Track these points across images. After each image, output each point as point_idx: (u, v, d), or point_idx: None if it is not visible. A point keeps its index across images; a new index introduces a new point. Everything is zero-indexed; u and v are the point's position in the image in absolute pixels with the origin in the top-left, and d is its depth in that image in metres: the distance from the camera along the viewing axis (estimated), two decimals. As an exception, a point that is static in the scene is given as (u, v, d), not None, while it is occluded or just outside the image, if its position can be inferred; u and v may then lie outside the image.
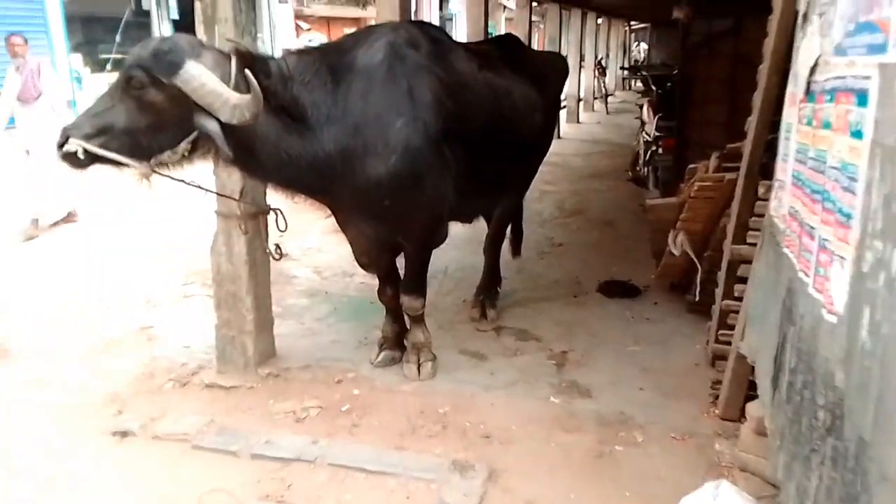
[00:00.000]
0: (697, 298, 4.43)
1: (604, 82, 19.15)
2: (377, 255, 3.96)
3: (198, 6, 3.50)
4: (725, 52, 5.55)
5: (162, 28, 13.54)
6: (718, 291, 3.78)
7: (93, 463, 3.26)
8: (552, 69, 4.81)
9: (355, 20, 20.92)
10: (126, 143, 2.87)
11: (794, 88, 2.44)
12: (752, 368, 3.23)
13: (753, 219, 3.15)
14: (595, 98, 18.56)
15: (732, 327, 3.60)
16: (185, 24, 14.51)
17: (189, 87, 2.74)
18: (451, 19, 26.43)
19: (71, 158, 2.83)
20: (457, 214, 4.16)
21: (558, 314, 4.97)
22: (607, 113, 18.16)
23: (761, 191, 3.03)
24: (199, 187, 3.43)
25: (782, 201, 2.60)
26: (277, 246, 3.97)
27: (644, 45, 30.87)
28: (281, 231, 3.71)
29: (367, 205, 3.42)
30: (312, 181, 3.25)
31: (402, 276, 4.07)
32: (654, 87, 7.99)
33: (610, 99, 19.51)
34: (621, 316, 4.96)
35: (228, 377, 4.04)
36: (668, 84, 7.64)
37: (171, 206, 7.02)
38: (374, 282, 5.29)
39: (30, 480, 3.11)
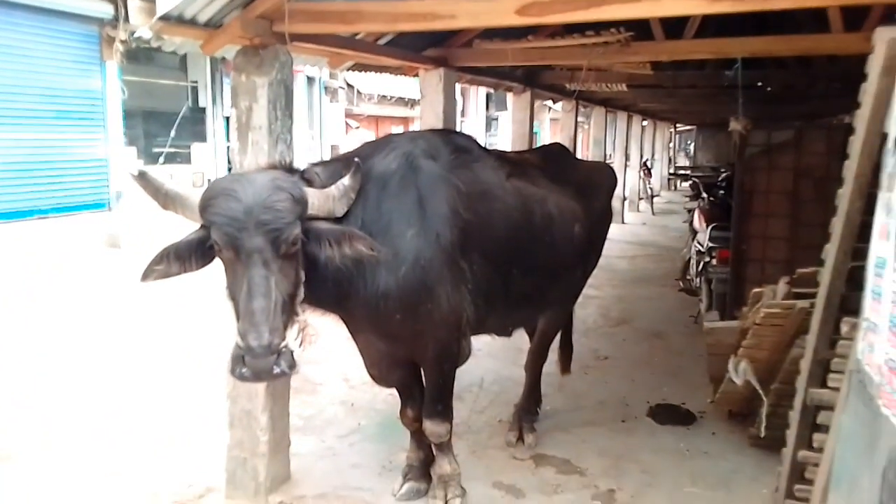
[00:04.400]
0: (763, 434, 3.93)
1: (649, 183, 18.97)
2: (388, 369, 3.69)
3: (233, 113, 3.41)
4: (786, 164, 5.27)
5: (216, 124, 13.99)
6: (790, 434, 3.29)
7: None
8: (598, 179, 4.57)
9: (403, 119, 21.50)
10: (292, 304, 2.73)
11: (888, 220, 2.11)
12: (838, 535, 2.75)
13: (835, 359, 2.73)
14: (640, 199, 18.35)
15: (807, 479, 3.11)
16: (238, 120, 15.07)
17: (314, 209, 2.73)
18: (496, 119, 27.00)
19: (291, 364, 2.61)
20: (484, 329, 3.85)
21: (604, 442, 4.49)
22: (653, 214, 17.88)
23: (844, 329, 2.63)
24: None
25: (875, 347, 2.21)
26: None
27: (690, 147, 31.00)
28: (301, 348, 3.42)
29: (378, 317, 3.20)
30: (328, 292, 3.03)
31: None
32: (705, 195, 7.71)
33: (656, 199, 19.26)
34: (675, 448, 4.45)
35: (237, 504, 3.68)
36: (721, 191, 7.36)
37: (201, 305, 6.90)
38: (404, 394, 5.00)
39: None
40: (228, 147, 14.75)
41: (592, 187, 4.35)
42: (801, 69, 6.84)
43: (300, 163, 3.29)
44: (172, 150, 13.36)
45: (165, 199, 2.70)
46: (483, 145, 3.87)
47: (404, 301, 3.13)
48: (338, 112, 17.49)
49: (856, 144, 2.49)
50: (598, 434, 4.63)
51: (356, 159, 2.93)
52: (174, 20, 3.19)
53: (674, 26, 5.04)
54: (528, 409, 4.58)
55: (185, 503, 3.73)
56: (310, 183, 2.91)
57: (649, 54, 5.08)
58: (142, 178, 2.70)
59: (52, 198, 10.47)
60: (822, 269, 2.90)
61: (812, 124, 5.89)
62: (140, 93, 12.18)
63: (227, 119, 14.18)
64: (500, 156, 3.93)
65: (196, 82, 13.80)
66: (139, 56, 11.79)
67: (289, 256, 2.63)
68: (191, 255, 2.69)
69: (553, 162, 4.18)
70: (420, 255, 3.12)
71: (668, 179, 24.24)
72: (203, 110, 13.92)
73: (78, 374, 5.58)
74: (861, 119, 2.45)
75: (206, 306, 6.91)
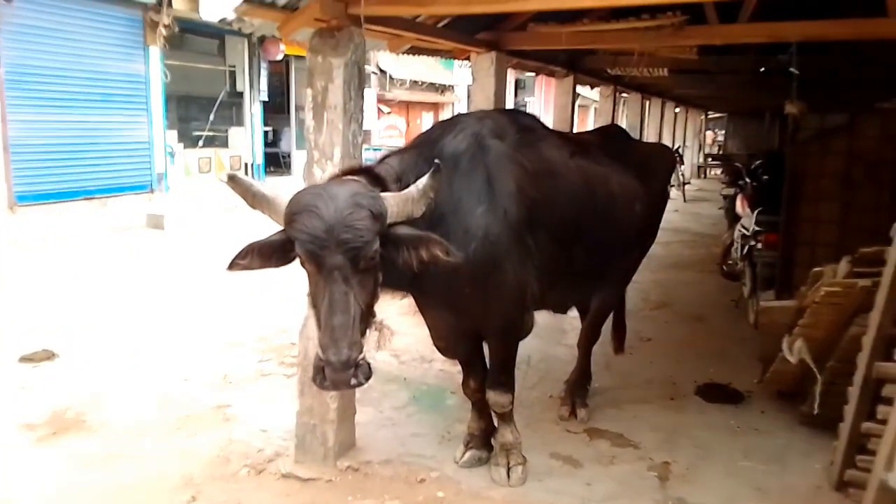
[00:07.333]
0: (816, 411, 4.01)
1: (681, 170, 18.83)
2: (455, 342, 3.83)
3: (308, 93, 3.54)
4: (839, 148, 5.30)
5: (253, 108, 14.20)
6: (849, 409, 3.39)
7: (166, 557, 3.10)
8: (657, 160, 4.65)
9: (434, 105, 21.58)
10: (370, 312, 2.81)
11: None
12: (900, 504, 2.85)
13: (904, 334, 2.81)
14: (671, 186, 18.22)
15: (868, 451, 3.20)
16: (273, 105, 15.24)
17: (393, 216, 2.74)
18: (524, 105, 26.95)
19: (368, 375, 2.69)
20: (545, 304, 3.97)
21: (655, 418, 4.60)
22: (685, 201, 17.79)
23: (914, 303, 2.71)
24: None
25: (951, 319, 2.30)
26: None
27: (720, 134, 30.66)
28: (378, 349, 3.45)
29: (448, 292, 3.32)
30: (402, 277, 3.06)
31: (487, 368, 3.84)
32: (748, 179, 7.72)
33: (687, 187, 19.13)
34: (726, 425, 4.54)
35: (306, 468, 3.86)
36: (765, 176, 7.37)
37: (248, 286, 7.10)
38: (453, 369, 5.13)
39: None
40: (265, 132, 15.07)
41: (652, 167, 4.43)
42: (849, 55, 6.81)
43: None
44: (211, 133, 13.63)
45: (254, 199, 2.79)
46: (546, 125, 3.97)
47: (474, 275, 3.24)
48: (370, 97, 17.63)
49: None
50: (649, 410, 4.73)
51: (437, 161, 2.88)
52: (256, 3, 3.33)
53: (726, 10, 5.07)
54: (580, 385, 4.69)
55: (256, 466, 3.90)
56: (384, 182, 2.96)
57: (703, 38, 5.11)
58: (232, 180, 2.79)
59: (97, 179, 10.77)
60: (889, 247, 2.98)
61: (866, 109, 5.87)
62: (180, 77, 12.43)
63: (264, 104, 14.48)
64: (562, 135, 4.02)
65: (234, 67, 14.01)
66: (180, 41, 12.01)
67: (368, 269, 2.71)
68: (272, 254, 2.81)
69: (613, 142, 4.27)
70: (489, 231, 3.24)
71: (699, 167, 24.03)
72: (240, 95, 14.15)
73: (135, 348, 5.79)
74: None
75: (253, 287, 7.14)
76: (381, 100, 18.34)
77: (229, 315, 6.75)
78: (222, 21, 3.44)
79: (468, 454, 3.91)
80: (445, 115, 21.60)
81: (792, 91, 5.13)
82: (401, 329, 6.04)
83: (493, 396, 3.69)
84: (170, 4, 11.06)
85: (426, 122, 20.95)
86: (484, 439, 3.96)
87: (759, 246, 6.17)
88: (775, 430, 4.44)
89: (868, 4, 4.56)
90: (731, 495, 3.65)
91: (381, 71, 17.89)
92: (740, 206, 7.42)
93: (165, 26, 11.15)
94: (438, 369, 5.43)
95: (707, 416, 4.70)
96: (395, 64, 17.75)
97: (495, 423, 3.89)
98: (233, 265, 2.82)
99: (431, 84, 20.08)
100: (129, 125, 11.35)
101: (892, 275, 2.90)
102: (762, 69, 7.93)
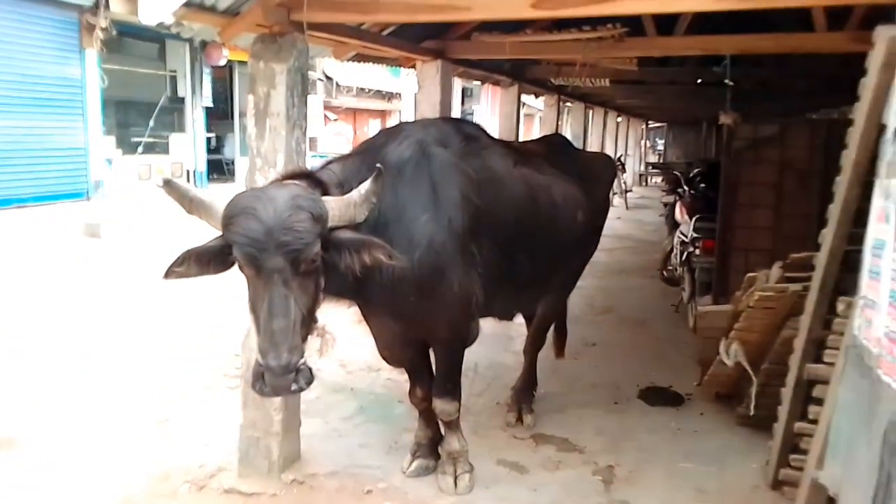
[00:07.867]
0: (752, 412, 4.15)
1: (623, 179, 19.28)
2: (401, 350, 3.81)
3: (251, 99, 3.48)
4: (770, 157, 5.54)
5: (195, 114, 13.87)
6: (782, 409, 3.52)
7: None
8: (598, 169, 4.75)
9: (381, 112, 21.53)
10: (311, 316, 2.77)
11: (887, 204, 2.29)
12: (830, 499, 2.96)
13: (830, 337, 2.93)
14: (614, 194, 18.64)
15: (800, 450, 3.32)
16: (217, 111, 14.94)
17: (335, 220, 2.71)
18: (471, 114, 27.13)
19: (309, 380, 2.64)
20: (491, 312, 4.00)
21: (600, 422, 4.68)
22: (627, 208, 18.21)
23: (840, 307, 2.83)
24: None
25: (873, 322, 2.40)
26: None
27: (659, 143, 31.57)
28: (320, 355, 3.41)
29: (393, 300, 3.30)
30: (346, 284, 3.04)
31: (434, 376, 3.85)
32: (686, 188, 7.95)
33: (629, 195, 19.60)
34: (667, 427, 4.65)
35: (250, 482, 3.77)
36: (703, 184, 7.61)
37: (188, 296, 6.93)
38: (401, 378, 5.10)
39: None
40: (208, 138, 14.73)
41: (593, 176, 4.53)
42: (780, 67, 7.13)
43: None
44: (151, 139, 13.26)
45: (191, 205, 2.72)
46: (490, 134, 4.01)
47: (419, 283, 3.24)
48: (316, 104, 17.45)
49: (854, 135, 2.68)
50: (594, 415, 4.81)
51: (378, 165, 2.86)
52: (195, 7, 3.26)
53: (664, 23, 5.23)
54: (526, 391, 4.74)
55: (197, 482, 3.79)
56: (326, 187, 2.94)
57: (642, 50, 5.27)
58: (167, 185, 2.71)
59: (30, 186, 10.36)
60: (817, 253, 3.11)
61: (796, 119, 6.17)
62: (119, 82, 12.06)
63: (207, 109, 14.16)
64: (506, 144, 4.07)
65: (175, 72, 13.68)
66: (118, 45, 11.64)
67: (308, 272, 2.67)
68: (210, 261, 2.74)
69: (556, 151, 4.35)
70: (433, 239, 3.24)
71: (640, 175, 24.63)
72: (182, 100, 13.81)
73: (70, 361, 5.58)
74: (860, 111, 2.64)
75: (193, 297, 6.97)
76: (327, 107, 18.22)
77: (169, 326, 6.56)
78: (160, 25, 3.35)
79: (415, 463, 3.90)
80: (393, 122, 21.58)
81: (727, 101, 5.33)
82: (348, 338, 6.03)
83: (439, 405, 3.69)
84: (107, 7, 10.73)
85: (373, 129, 20.88)
86: (431, 448, 3.95)
87: (698, 252, 6.36)
88: (714, 432, 4.57)
89: (797, 20, 4.78)
90: (672, 497, 3.74)
91: (328, 78, 17.76)
92: (679, 213, 7.63)
93: (103, 29, 10.77)
94: (386, 378, 5.39)
95: (649, 418, 4.81)
96: (341, 71, 17.63)
97: (442, 432, 3.89)
98: (169, 273, 2.73)
99: (378, 91, 20.06)
100: (64, 131, 10.94)
101: (821, 279, 3.02)
102: (699, 80, 8.20)
